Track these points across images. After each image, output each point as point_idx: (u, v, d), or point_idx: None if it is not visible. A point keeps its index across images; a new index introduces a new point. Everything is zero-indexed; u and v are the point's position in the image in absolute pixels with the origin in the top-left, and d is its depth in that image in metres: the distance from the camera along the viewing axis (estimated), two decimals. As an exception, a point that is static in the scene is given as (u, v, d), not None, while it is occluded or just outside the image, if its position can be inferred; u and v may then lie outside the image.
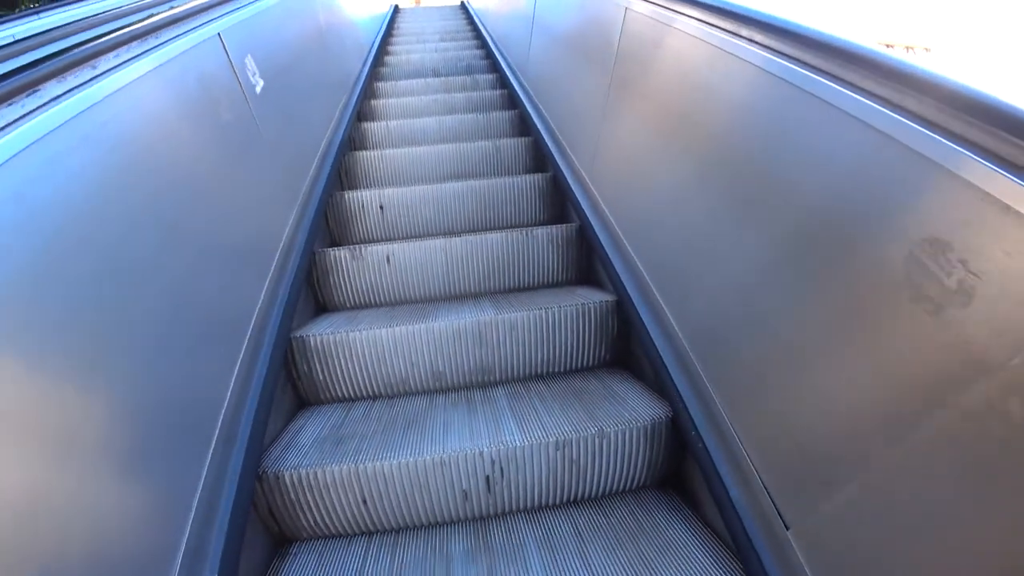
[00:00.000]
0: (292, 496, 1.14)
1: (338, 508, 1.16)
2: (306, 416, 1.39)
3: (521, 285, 1.83)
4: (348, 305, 1.78)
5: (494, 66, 3.63)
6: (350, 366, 1.47)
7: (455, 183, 2.08)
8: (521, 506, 1.23)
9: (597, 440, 1.21)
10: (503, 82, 3.25)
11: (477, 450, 1.18)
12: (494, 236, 1.78)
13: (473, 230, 2.07)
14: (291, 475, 1.13)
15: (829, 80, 0.80)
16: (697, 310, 1.18)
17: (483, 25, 4.63)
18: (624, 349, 1.54)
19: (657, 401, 1.28)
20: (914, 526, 0.62)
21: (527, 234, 1.78)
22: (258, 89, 1.60)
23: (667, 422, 1.22)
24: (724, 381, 1.05)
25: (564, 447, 1.21)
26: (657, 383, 1.30)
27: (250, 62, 1.58)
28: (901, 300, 0.64)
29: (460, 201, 2.07)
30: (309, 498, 1.15)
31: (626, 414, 1.25)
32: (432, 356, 1.49)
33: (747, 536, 0.92)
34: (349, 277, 1.76)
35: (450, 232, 2.06)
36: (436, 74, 3.65)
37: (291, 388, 1.44)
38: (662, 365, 1.25)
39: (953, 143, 0.59)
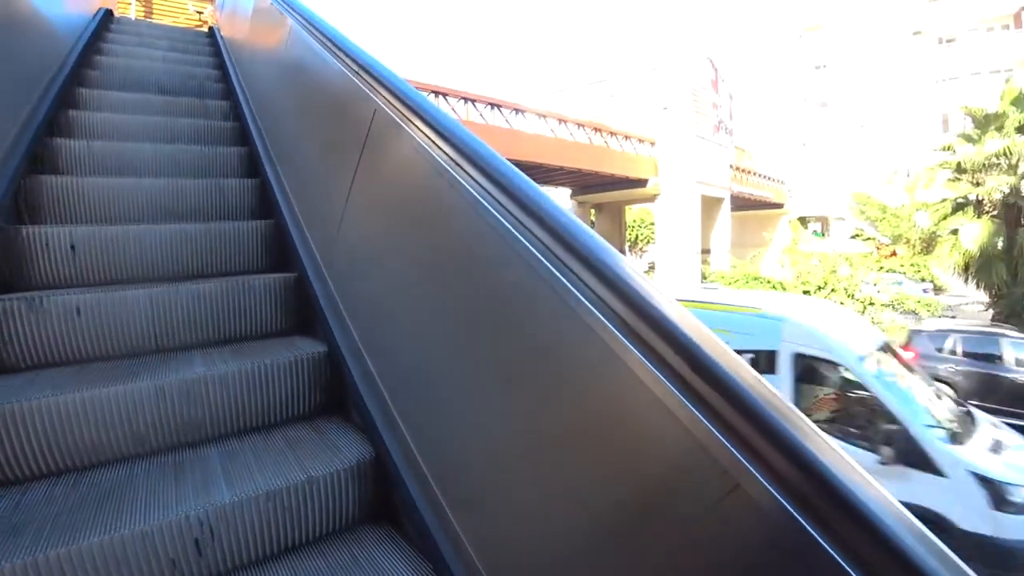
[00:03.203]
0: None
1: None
2: (-35, 508, 1.18)
3: (235, 336, 1.81)
4: (24, 365, 1.55)
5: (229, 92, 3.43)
6: (27, 441, 1.29)
7: (168, 225, 1.96)
8: (238, 562, 1.23)
9: (307, 486, 1.30)
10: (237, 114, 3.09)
11: (183, 515, 1.16)
12: (208, 285, 1.73)
13: (185, 278, 1.95)
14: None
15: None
16: (391, 361, 1.38)
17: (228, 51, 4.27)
18: (337, 395, 1.65)
19: (364, 442, 1.42)
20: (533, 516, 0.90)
21: (244, 283, 1.78)
22: None
23: (372, 461, 1.36)
24: (411, 420, 1.27)
25: (275, 497, 1.26)
26: (364, 425, 1.45)
27: None
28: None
29: (171, 245, 1.94)
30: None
31: (335, 458, 1.36)
32: (132, 419, 1.39)
33: (440, 554, 1.10)
34: (25, 332, 1.53)
35: (158, 279, 1.91)
36: (162, 91, 3.29)
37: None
38: (366, 409, 1.41)
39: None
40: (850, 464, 0.55)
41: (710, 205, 19.41)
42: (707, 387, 0.62)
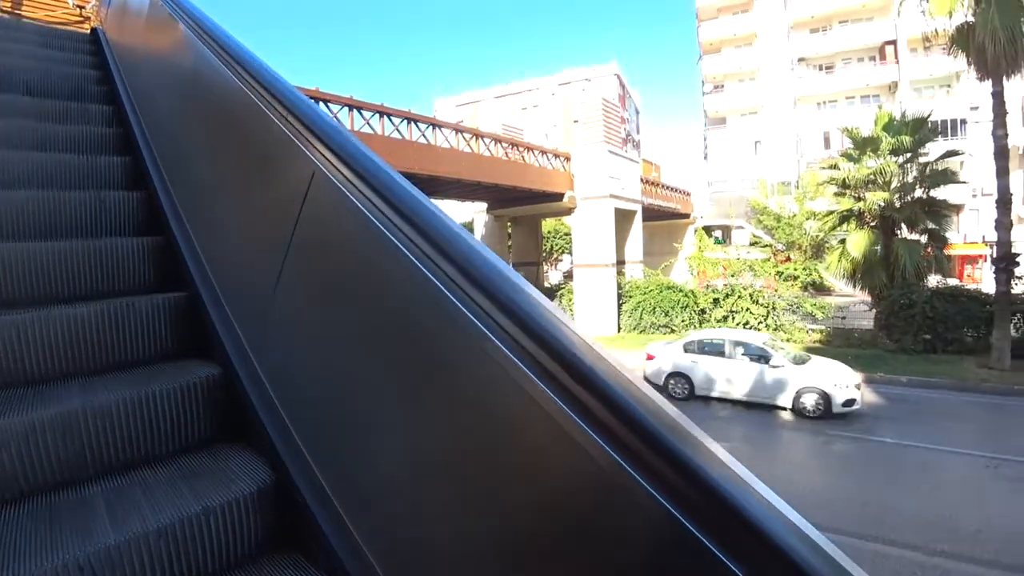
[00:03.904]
0: None
1: None
2: None
3: (120, 363, 1.66)
4: None
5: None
6: None
7: (39, 243, 1.77)
8: (128, 608, 1.12)
9: (203, 518, 1.21)
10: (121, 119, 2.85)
11: (60, 562, 1.04)
12: (87, 308, 1.58)
13: (60, 301, 1.77)
14: None
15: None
16: (290, 383, 1.33)
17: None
18: (236, 421, 1.56)
19: (264, 468, 1.35)
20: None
21: (128, 305, 1.64)
22: None
23: (273, 487, 1.30)
24: (312, 443, 1.22)
25: (167, 533, 1.17)
26: (264, 451, 1.37)
27: None
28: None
29: (43, 265, 1.75)
30: None
31: (234, 486, 1.28)
32: (-5, 459, 1.24)
33: (346, 571, 1.06)
34: None
35: (28, 303, 1.72)
36: (31, 92, 2.98)
37: None
38: (266, 434, 1.34)
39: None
40: (732, 469, 0.58)
41: (624, 217, 20.24)
42: (586, 393, 0.64)
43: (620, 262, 20.09)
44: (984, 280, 23.81)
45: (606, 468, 0.61)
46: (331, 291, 1.21)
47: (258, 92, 1.41)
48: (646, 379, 10.81)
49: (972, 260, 27.70)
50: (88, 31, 5.03)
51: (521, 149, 18.25)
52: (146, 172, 2.30)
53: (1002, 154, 12.57)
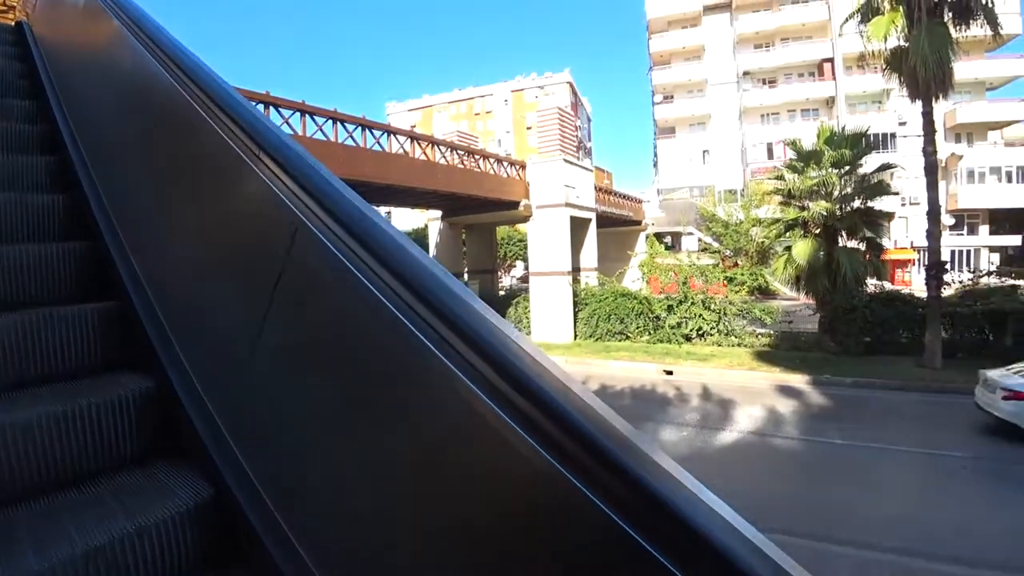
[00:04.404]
0: None
1: None
2: None
3: (44, 377, 1.54)
4: None
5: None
6: None
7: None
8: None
9: (137, 538, 1.14)
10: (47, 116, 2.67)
11: None
12: (6, 319, 1.47)
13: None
14: None
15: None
16: (228, 395, 1.29)
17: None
18: (172, 435, 1.48)
19: (203, 483, 1.28)
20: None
21: (53, 315, 1.53)
22: None
23: (213, 501, 1.23)
24: (252, 455, 1.18)
25: (97, 556, 1.09)
26: (203, 465, 1.31)
27: None
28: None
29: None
30: None
31: (170, 503, 1.21)
32: None
33: None
34: None
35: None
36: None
37: None
38: (204, 448, 1.27)
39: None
40: (669, 471, 0.58)
41: (579, 226, 20.49)
42: (518, 395, 0.65)
43: (576, 270, 20.30)
44: (914, 282, 25.36)
45: (543, 472, 0.61)
46: (272, 300, 1.16)
47: (185, 84, 1.37)
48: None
49: (902, 264, 29.40)
50: (12, 22, 4.73)
51: (477, 157, 18.26)
52: (74, 173, 2.16)
53: (931, 170, 13.44)
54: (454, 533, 0.76)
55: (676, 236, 34.66)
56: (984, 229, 32.67)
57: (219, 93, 1.29)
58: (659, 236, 32.37)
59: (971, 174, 32.01)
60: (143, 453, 1.44)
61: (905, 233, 30.53)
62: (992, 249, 32.28)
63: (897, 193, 16.20)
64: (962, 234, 31.32)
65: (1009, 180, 31.60)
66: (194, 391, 1.36)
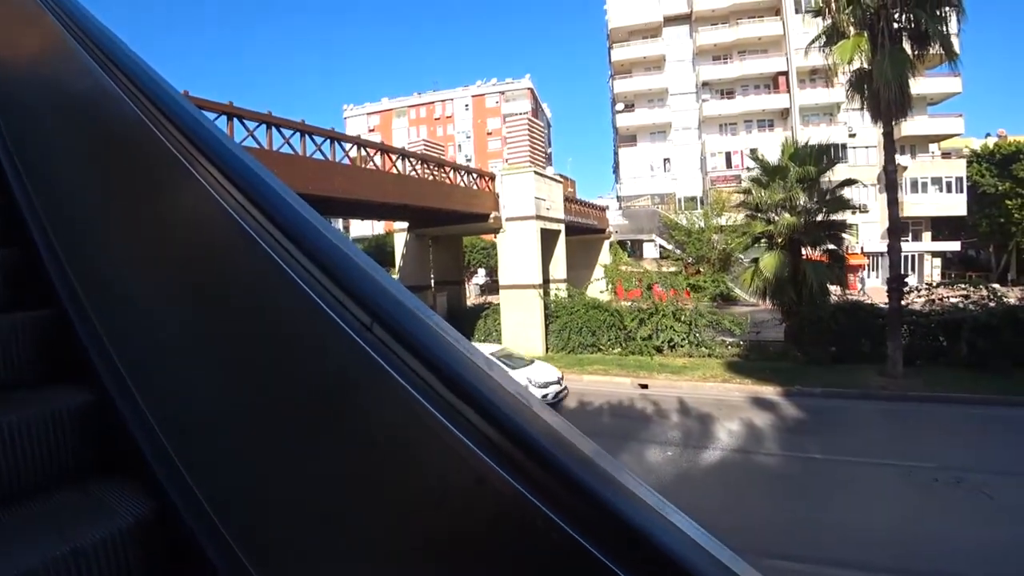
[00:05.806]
0: None
1: None
2: None
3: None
4: None
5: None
6: None
7: None
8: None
9: (72, 559, 1.05)
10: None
11: None
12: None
13: None
14: None
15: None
16: (172, 407, 1.23)
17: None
18: (112, 450, 1.38)
19: (145, 500, 1.20)
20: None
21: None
22: None
23: (156, 519, 1.15)
24: (198, 469, 1.12)
25: (28, 581, 1.00)
26: (145, 481, 1.23)
27: None
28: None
29: None
30: None
31: (110, 522, 1.12)
32: None
33: None
34: None
35: None
36: None
37: None
38: (146, 463, 1.20)
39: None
40: (618, 479, 0.58)
41: (549, 237, 20.57)
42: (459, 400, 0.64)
43: (546, 281, 20.34)
44: (865, 286, 26.24)
45: (491, 482, 0.61)
46: (214, 304, 1.12)
47: (115, 76, 1.29)
48: None
49: (854, 269, 30.47)
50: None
51: (447, 169, 18.21)
52: (4, 178, 1.99)
53: (892, 186, 14.06)
54: (394, 536, 0.76)
55: (637, 243, 35.18)
56: (927, 236, 34.50)
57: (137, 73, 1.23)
58: (622, 244, 32.82)
59: (915, 184, 33.92)
60: (80, 468, 1.34)
61: (855, 240, 31.72)
62: (934, 254, 34.27)
63: (856, 207, 16.85)
64: (908, 240, 32.78)
65: (948, 190, 33.73)
66: (133, 401, 1.28)
